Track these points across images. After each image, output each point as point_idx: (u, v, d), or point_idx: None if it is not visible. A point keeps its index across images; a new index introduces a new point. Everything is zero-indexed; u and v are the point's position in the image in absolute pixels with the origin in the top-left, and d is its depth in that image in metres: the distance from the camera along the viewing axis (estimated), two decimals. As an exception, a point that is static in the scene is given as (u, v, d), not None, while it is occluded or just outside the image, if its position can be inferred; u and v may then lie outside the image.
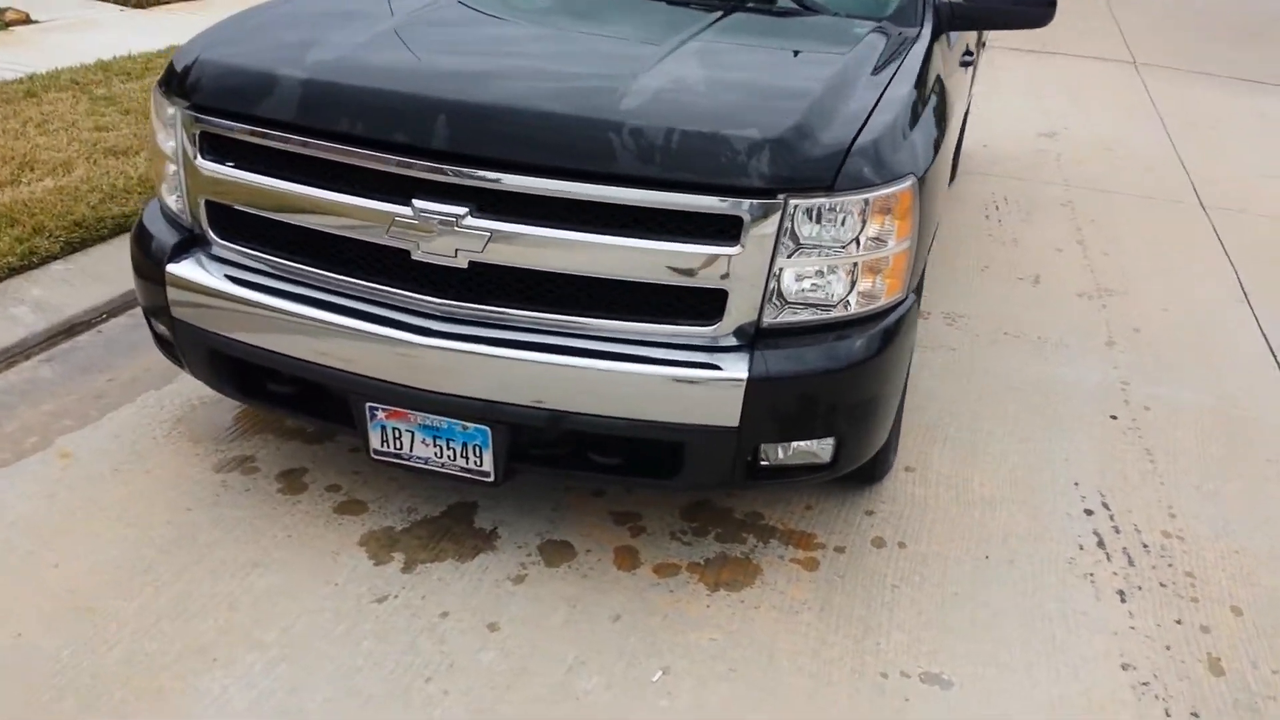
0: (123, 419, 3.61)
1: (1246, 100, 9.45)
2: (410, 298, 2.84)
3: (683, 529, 3.29)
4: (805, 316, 2.77)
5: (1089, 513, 3.55)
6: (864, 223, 2.71)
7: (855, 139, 2.73)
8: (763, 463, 2.88)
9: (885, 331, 2.86)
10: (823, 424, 2.83)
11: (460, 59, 3.02)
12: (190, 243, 3.11)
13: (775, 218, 2.64)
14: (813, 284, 2.75)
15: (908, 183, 2.76)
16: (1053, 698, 2.78)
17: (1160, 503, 3.64)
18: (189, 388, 3.79)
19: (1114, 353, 4.66)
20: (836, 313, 2.79)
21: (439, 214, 2.70)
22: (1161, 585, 3.24)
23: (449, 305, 2.81)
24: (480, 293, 2.80)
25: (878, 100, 2.90)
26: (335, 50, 2.96)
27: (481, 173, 2.68)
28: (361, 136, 2.76)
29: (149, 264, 3.09)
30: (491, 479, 2.92)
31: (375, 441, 2.96)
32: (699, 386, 2.71)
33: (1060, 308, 5.08)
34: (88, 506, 3.18)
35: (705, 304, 2.73)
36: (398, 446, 2.95)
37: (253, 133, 2.87)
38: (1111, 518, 3.54)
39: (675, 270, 2.68)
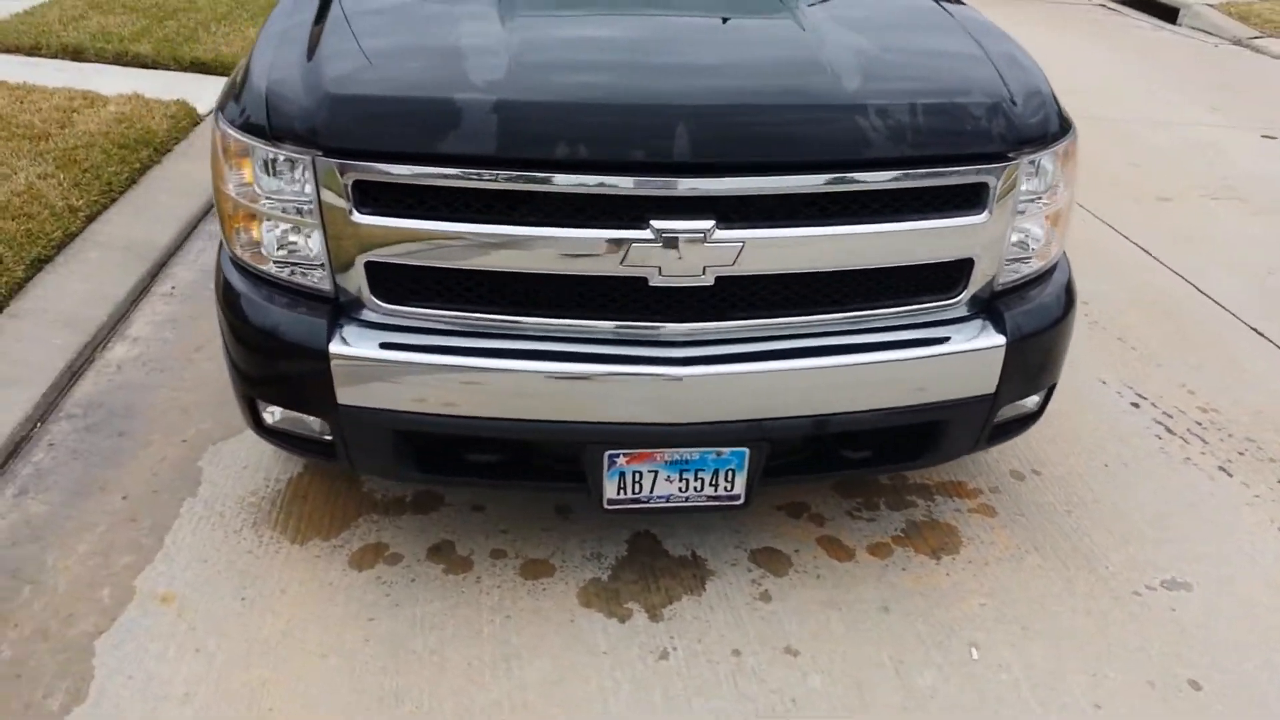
0: (188, 539, 3.03)
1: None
2: (646, 328, 2.59)
3: (854, 508, 3.25)
4: (1023, 272, 2.81)
5: (1136, 405, 3.87)
6: (1058, 171, 2.77)
7: (1049, 91, 2.78)
8: (996, 423, 2.90)
9: (1069, 275, 2.96)
10: (1049, 374, 2.90)
11: (639, 60, 2.73)
12: (333, 314, 2.64)
13: (1011, 178, 2.65)
14: (1024, 239, 2.79)
15: (1072, 128, 2.85)
16: (1268, 570, 3.04)
17: (1174, 383, 4.03)
18: (227, 486, 3.24)
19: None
20: (1038, 264, 2.85)
21: (685, 231, 2.48)
22: (1240, 454, 3.60)
23: (691, 329, 2.60)
24: (722, 308, 2.61)
25: (1016, 53, 2.95)
26: (496, 68, 2.59)
27: (727, 179, 2.48)
28: (582, 160, 2.46)
29: (293, 353, 2.60)
30: (741, 501, 2.75)
31: (610, 491, 2.69)
32: (963, 360, 2.69)
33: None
34: (256, 650, 2.67)
35: (949, 277, 2.71)
36: (636, 491, 2.70)
37: (439, 174, 2.46)
38: (1154, 405, 3.87)
39: (926, 248, 2.63)
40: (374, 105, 2.49)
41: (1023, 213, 2.71)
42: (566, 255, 2.50)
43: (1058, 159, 2.73)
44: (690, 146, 2.45)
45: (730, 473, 2.70)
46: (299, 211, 2.57)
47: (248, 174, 2.63)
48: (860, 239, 2.57)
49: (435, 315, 2.61)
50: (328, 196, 2.51)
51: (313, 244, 2.59)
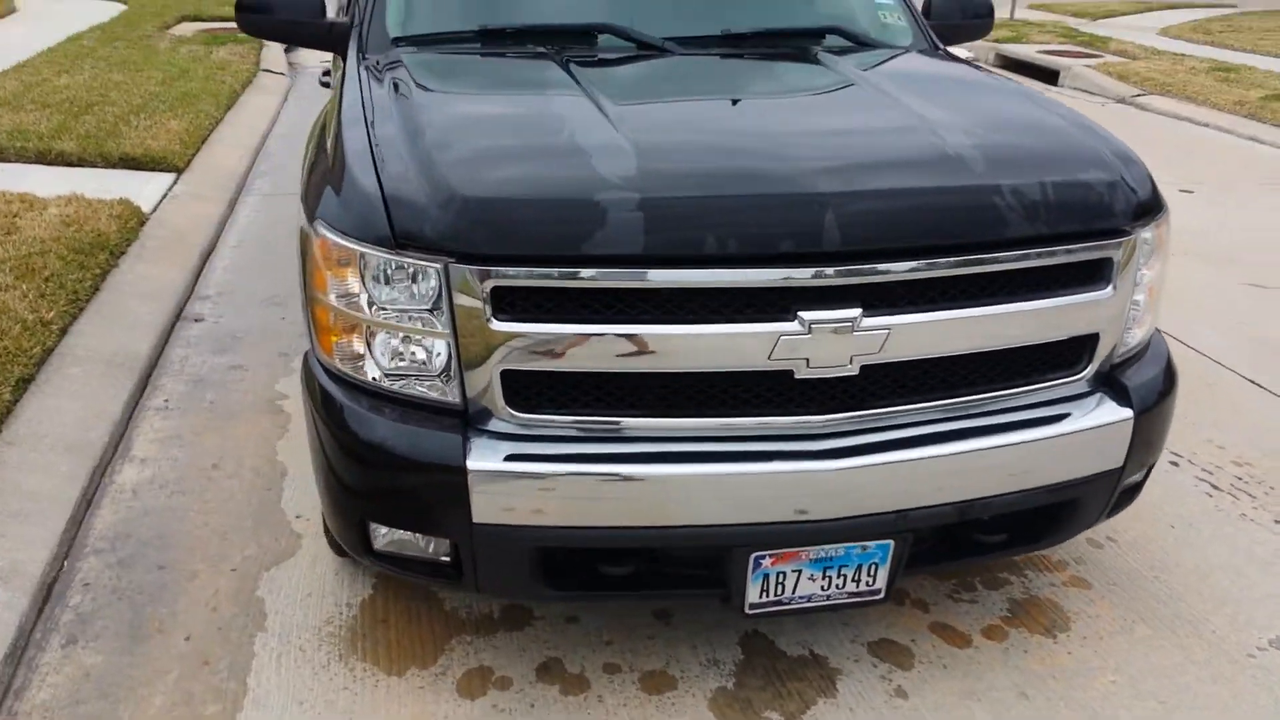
0: (274, 679, 2.79)
1: None
2: (789, 422, 2.51)
3: (952, 590, 3.20)
4: (1131, 344, 2.82)
5: (1175, 464, 3.92)
6: (1159, 242, 2.80)
7: (1143, 162, 2.82)
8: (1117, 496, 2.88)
9: (1165, 344, 2.99)
10: (1162, 442, 2.90)
11: (764, 147, 2.66)
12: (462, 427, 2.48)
13: (1131, 251, 2.66)
14: (1137, 313, 2.80)
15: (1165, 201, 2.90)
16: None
17: (1201, 439, 4.11)
18: (298, 616, 3.02)
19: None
20: (1142, 335, 2.87)
21: (835, 321, 2.41)
22: (1289, 507, 3.67)
23: (834, 420, 2.52)
24: (862, 397, 2.54)
25: (1088, 122, 2.99)
26: (627, 163, 2.50)
27: (874, 265, 2.43)
28: (731, 254, 2.37)
29: (423, 471, 2.44)
30: (881, 595, 2.67)
31: (753, 595, 2.58)
32: (1097, 435, 2.67)
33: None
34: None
35: (1075, 353, 2.69)
36: (779, 593, 2.60)
37: (585, 276, 2.35)
38: (1191, 462, 3.94)
39: (1056, 325, 2.63)
40: (515, 208, 2.37)
41: (1138, 287, 2.72)
42: (714, 352, 2.41)
43: (1159, 230, 2.75)
44: (839, 234, 2.39)
45: (873, 567, 2.61)
46: (422, 321, 2.41)
47: (355, 283, 2.46)
48: (997, 318, 2.54)
49: (571, 421, 2.47)
50: (462, 304, 2.36)
51: (438, 354, 2.44)
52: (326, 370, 2.61)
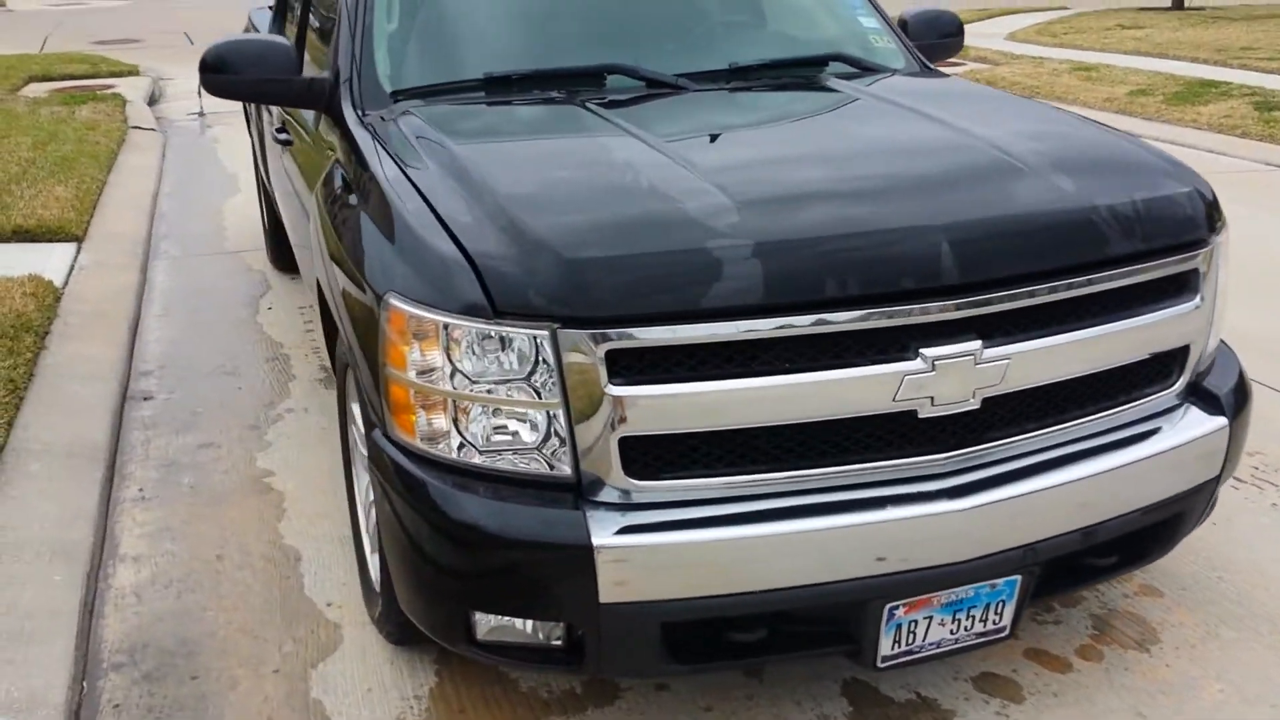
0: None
1: None
2: (912, 464, 2.40)
3: (1034, 613, 3.12)
4: (1209, 353, 2.81)
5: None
6: (1223, 249, 2.80)
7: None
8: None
9: (1229, 349, 3.00)
10: (1244, 446, 2.89)
11: (857, 180, 2.55)
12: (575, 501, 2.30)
13: (1212, 259, 2.66)
14: (1215, 322, 2.79)
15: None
16: None
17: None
18: (367, 716, 2.77)
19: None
20: (1216, 343, 2.86)
21: (959, 355, 2.32)
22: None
23: (957, 457, 2.43)
24: (980, 431, 2.45)
25: (1132, 138, 3.00)
26: (722, 207, 2.37)
27: (990, 295, 2.35)
28: (852, 296, 2.27)
29: (541, 552, 2.25)
30: (1006, 633, 2.59)
31: (885, 647, 2.46)
32: (1200, 446, 2.66)
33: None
34: None
35: (1167, 366, 2.67)
36: (910, 642, 2.49)
37: (703, 331, 2.21)
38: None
39: (1156, 340, 2.60)
40: (629, 266, 2.22)
41: (1216, 293, 2.71)
42: (836, 399, 2.29)
43: (1225, 235, 2.75)
44: (957, 265, 2.31)
45: (1000, 604, 2.53)
46: (523, 391, 2.23)
47: (438, 356, 2.26)
48: (1104, 338, 2.51)
49: (691, 485, 2.31)
50: (573, 370, 2.20)
51: (542, 425, 2.26)
52: (406, 450, 2.40)
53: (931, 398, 2.32)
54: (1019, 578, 2.49)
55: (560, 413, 2.23)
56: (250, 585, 3.31)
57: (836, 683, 2.86)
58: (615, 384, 2.19)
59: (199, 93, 9.82)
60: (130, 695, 2.86)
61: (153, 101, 11.83)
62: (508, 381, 2.24)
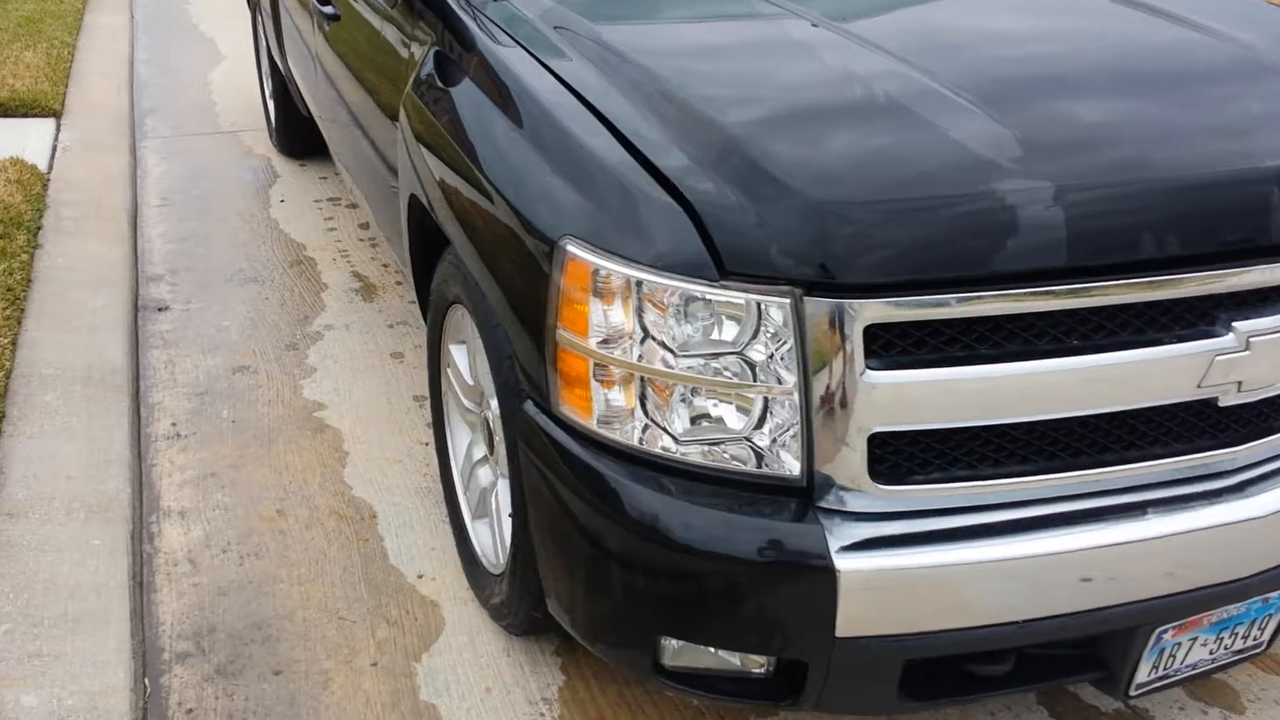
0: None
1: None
2: (1203, 460, 1.97)
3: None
4: None
5: None
6: None
7: None
8: None
9: None
10: None
11: (1131, 104, 2.05)
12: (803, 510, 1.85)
13: None
14: None
15: None
16: None
17: None
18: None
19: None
20: None
21: (1275, 330, 1.87)
22: None
23: (1249, 450, 2.00)
24: (1269, 417, 2.02)
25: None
26: (998, 138, 1.86)
27: (1312, 256, 1.89)
28: (1168, 257, 1.80)
29: (763, 575, 1.81)
30: (1263, 648, 2.20)
31: (1143, 674, 2.06)
32: None
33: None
34: None
35: None
36: (1168, 666, 2.09)
37: (989, 301, 1.73)
38: None
39: None
40: (903, 216, 1.72)
41: None
42: (1135, 385, 1.83)
43: None
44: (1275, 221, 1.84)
45: (1267, 619, 2.13)
46: (745, 372, 1.75)
47: (630, 322, 1.77)
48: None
49: (945, 491, 1.86)
50: (818, 347, 1.71)
51: (762, 414, 1.79)
52: (575, 432, 1.92)
53: (1240, 382, 1.87)
54: (1291, 589, 2.08)
55: (796, 399, 1.76)
56: (324, 550, 2.84)
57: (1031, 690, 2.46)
58: (873, 366, 1.72)
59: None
60: (204, 697, 2.41)
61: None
62: (728, 356, 1.77)
